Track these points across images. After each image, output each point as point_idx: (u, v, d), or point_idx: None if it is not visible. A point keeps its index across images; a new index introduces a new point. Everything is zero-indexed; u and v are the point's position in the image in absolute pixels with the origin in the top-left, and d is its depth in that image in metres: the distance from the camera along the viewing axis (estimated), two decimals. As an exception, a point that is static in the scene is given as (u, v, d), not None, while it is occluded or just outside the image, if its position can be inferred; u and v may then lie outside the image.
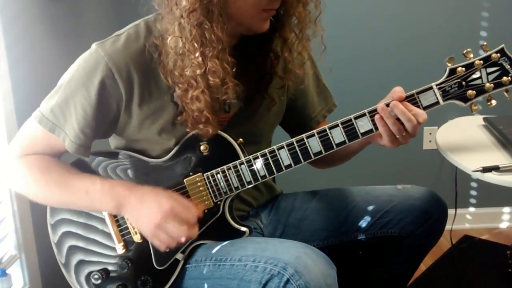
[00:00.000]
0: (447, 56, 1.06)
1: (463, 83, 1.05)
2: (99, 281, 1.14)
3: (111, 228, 1.14)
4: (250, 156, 1.10)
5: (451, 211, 1.32)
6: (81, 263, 1.17)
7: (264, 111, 1.19)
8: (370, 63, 2.17)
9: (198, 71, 1.00)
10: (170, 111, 1.09)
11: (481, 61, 1.05)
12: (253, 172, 1.10)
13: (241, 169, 1.10)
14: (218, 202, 1.12)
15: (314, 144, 1.07)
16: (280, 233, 1.30)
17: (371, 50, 2.16)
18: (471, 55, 1.06)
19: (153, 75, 1.07)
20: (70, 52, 1.21)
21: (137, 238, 1.13)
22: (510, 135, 1.36)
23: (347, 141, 1.06)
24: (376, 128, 1.06)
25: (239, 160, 1.10)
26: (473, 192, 2.31)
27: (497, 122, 1.47)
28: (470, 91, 1.06)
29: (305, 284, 0.94)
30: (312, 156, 1.08)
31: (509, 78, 1.05)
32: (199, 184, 1.11)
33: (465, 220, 2.34)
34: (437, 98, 1.05)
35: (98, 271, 1.14)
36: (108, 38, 1.07)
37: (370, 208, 1.26)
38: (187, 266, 1.12)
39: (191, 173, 1.11)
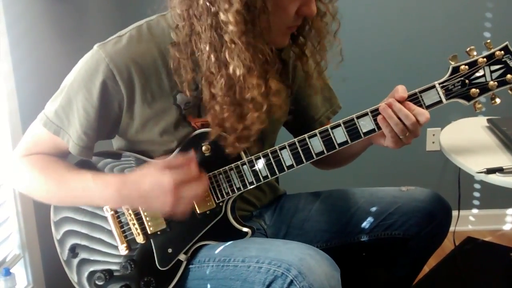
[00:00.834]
0: (450, 56, 1.05)
1: (466, 81, 1.04)
2: (102, 282, 1.14)
3: (113, 229, 1.14)
4: (252, 157, 1.09)
5: (454, 213, 1.31)
6: (84, 261, 1.17)
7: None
8: (373, 62, 2.16)
9: (261, 90, 1.00)
10: (172, 113, 1.09)
11: (485, 59, 1.04)
12: (255, 173, 1.09)
13: (243, 169, 1.10)
14: (221, 203, 1.12)
15: (316, 144, 1.07)
16: (284, 234, 1.30)
17: (374, 49, 2.15)
18: (475, 53, 1.05)
19: (156, 77, 1.06)
20: (73, 51, 1.21)
21: (140, 239, 1.13)
22: (514, 137, 1.36)
23: (349, 141, 1.06)
24: (379, 128, 1.05)
25: (241, 161, 1.10)
26: (477, 194, 2.31)
27: (501, 123, 1.47)
28: (473, 90, 1.04)
29: (308, 285, 0.94)
30: (314, 156, 1.07)
31: (514, 76, 1.03)
32: (202, 185, 1.11)
33: (468, 222, 2.34)
34: (440, 97, 1.04)
35: (102, 271, 1.14)
36: (110, 39, 1.07)
37: (374, 209, 1.25)
38: (190, 266, 1.12)
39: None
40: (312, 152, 1.07)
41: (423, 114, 1.03)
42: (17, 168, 1.14)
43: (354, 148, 1.10)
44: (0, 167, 1.29)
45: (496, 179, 1.22)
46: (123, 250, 1.14)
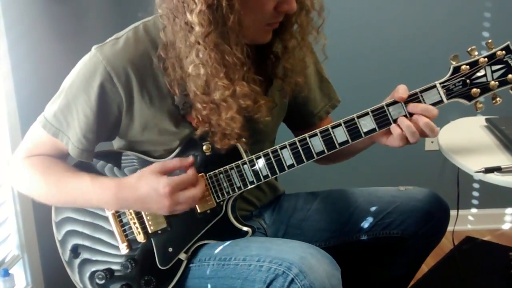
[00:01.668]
0: (450, 55, 1.05)
1: (467, 81, 1.04)
2: (103, 281, 1.14)
3: (114, 228, 1.14)
4: (253, 156, 1.10)
5: (453, 212, 1.32)
6: (85, 261, 1.17)
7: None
8: (374, 62, 2.17)
9: (226, 93, 1.00)
10: (172, 113, 1.09)
11: (486, 59, 1.04)
12: (255, 172, 1.10)
13: (243, 169, 1.10)
14: (221, 202, 1.12)
15: (317, 144, 1.07)
16: (283, 234, 1.30)
17: (374, 49, 2.16)
18: (476, 53, 1.05)
19: (153, 78, 1.06)
20: (72, 52, 1.21)
21: (140, 238, 1.13)
22: (513, 136, 1.36)
23: (350, 141, 1.06)
24: (380, 127, 1.05)
25: (241, 160, 1.10)
26: (475, 193, 2.31)
27: (499, 123, 1.47)
28: (474, 89, 1.05)
29: (309, 284, 0.94)
30: (315, 155, 1.08)
31: (515, 75, 1.04)
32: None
33: (467, 221, 2.34)
34: (440, 97, 1.04)
35: (102, 271, 1.14)
36: (107, 41, 1.07)
37: (373, 209, 1.25)
38: (191, 265, 1.12)
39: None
40: (313, 151, 1.07)
41: (431, 111, 1.03)
42: (18, 169, 1.14)
43: (356, 146, 1.10)
44: (-1, 168, 1.30)
45: (494, 178, 1.22)
46: (124, 249, 1.14)
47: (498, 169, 1.22)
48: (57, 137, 1.10)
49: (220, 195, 1.11)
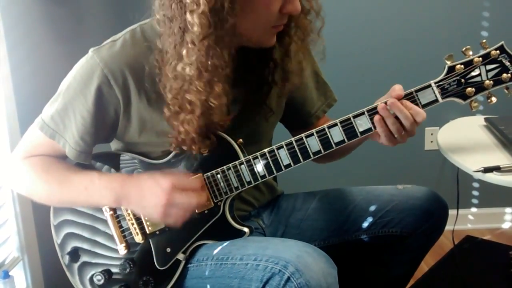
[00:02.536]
0: (446, 55, 1.06)
1: (462, 80, 1.05)
2: (101, 282, 1.14)
3: (113, 229, 1.15)
4: (250, 156, 1.10)
5: (453, 212, 1.32)
6: (84, 264, 1.17)
7: (262, 117, 1.19)
8: (369, 61, 2.17)
9: (202, 97, 1.00)
10: None
11: (480, 58, 1.05)
12: (252, 172, 1.10)
13: (240, 169, 1.10)
14: (219, 203, 1.13)
15: (313, 143, 1.07)
16: (281, 234, 1.31)
17: (370, 48, 2.16)
18: (470, 52, 1.05)
19: (150, 80, 1.06)
20: (71, 54, 1.21)
21: (138, 239, 1.14)
22: (511, 135, 1.36)
23: (346, 140, 1.07)
24: (375, 127, 1.06)
25: (238, 160, 1.10)
26: (475, 193, 2.31)
27: (498, 123, 1.47)
28: (469, 89, 1.05)
29: (305, 282, 0.95)
30: (311, 155, 1.08)
31: (509, 75, 1.05)
32: (199, 184, 1.12)
33: (467, 221, 2.34)
34: (436, 96, 1.05)
35: (101, 272, 1.14)
36: (105, 43, 1.08)
37: (371, 207, 1.26)
38: (189, 266, 1.13)
39: (191, 174, 1.12)
40: (309, 151, 1.08)
41: (420, 114, 1.03)
42: (17, 169, 1.14)
43: (350, 144, 1.10)
44: (-1, 169, 1.30)
45: (493, 177, 1.23)
46: (122, 250, 1.14)
47: (497, 169, 1.23)
48: (54, 139, 1.10)
49: (217, 195, 1.12)
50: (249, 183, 1.11)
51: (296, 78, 1.16)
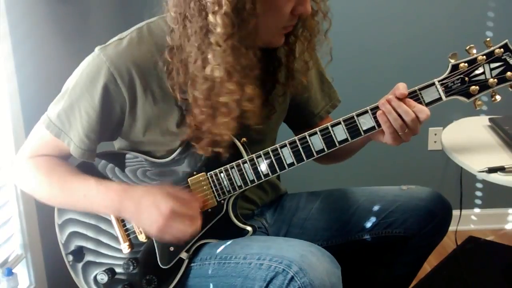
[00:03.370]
0: (450, 54, 1.05)
1: (466, 78, 1.05)
2: (105, 281, 1.14)
3: (116, 228, 1.15)
4: (253, 155, 1.10)
5: (456, 212, 1.32)
6: (88, 263, 1.17)
7: (264, 116, 1.19)
8: (374, 60, 2.17)
9: (234, 97, 1.00)
10: (174, 114, 1.10)
11: (484, 57, 1.04)
12: (256, 171, 1.10)
13: (244, 168, 1.10)
14: (222, 201, 1.13)
15: (317, 142, 1.07)
16: (284, 233, 1.31)
17: (375, 47, 2.16)
18: (474, 51, 1.05)
19: (157, 78, 1.07)
20: (76, 52, 1.22)
21: (142, 238, 1.14)
22: (516, 135, 1.36)
23: (349, 139, 1.07)
24: (379, 125, 1.05)
25: (242, 159, 1.10)
26: (478, 193, 2.30)
27: (502, 123, 1.47)
28: (473, 87, 1.05)
29: (309, 282, 0.94)
30: (315, 154, 1.08)
31: (514, 73, 1.04)
32: (202, 183, 1.12)
33: (470, 221, 2.33)
34: (439, 94, 1.05)
35: (104, 270, 1.14)
36: (111, 41, 1.08)
37: (375, 208, 1.26)
38: (192, 264, 1.13)
39: (194, 173, 1.12)
40: (313, 150, 1.08)
41: (423, 111, 1.03)
42: (23, 169, 1.15)
43: (353, 144, 1.10)
44: (3, 168, 1.30)
45: (497, 178, 1.22)
46: (125, 248, 1.14)
47: (501, 169, 1.22)
48: (59, 138, 1.10)
49: (221, 193, 1.12)
50: (252, 182, 1.10)
51: (301, 77, 1.16)
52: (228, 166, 1.10)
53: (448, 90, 1.05)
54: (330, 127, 1.07)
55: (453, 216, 1.28)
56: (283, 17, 1.02)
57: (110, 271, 1.15)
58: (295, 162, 1.08)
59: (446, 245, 2.02)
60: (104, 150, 1.18)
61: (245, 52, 0.98)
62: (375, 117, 1.05)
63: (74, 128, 1.09)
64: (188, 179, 1.12)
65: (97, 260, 1.17)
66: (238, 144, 1.11)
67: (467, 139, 1.48)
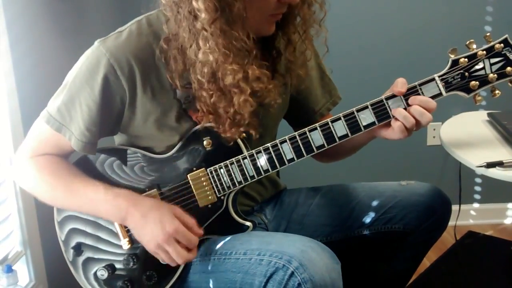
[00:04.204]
0: (449, 49, 1.05)
1: (466, 74, 1.05)
2: (105, 277, 1.14)
3: (116, 224, 1.14)
4: (253, 151, 1.10)
5: (455, 207, 1.32)
6: (88, 260, 1.17)
7: (264, 108, 1.19)
8: (373, 57, 2.16)
9: (238, 76, 1.00)
10: (173, 108, 1.10)
11: (484, 52, 1.04)
12: (256, 167, 1.10)
13: (244, 163, 1.10)
14: (222, 197, 1.13)
15: (317, 138, 1.07)
16: (284, 229, 1.31)
17: (375, 42, 2.15)
18: (474, 46, 1.05)
19: (156, 71, 1.07)
20: (74, 49, 1.21)
21: (141, 234, 1.14)
22: (514, 130, 1.36)
23: (349, 134, 1.07)
24: (379, 121, 1.06)
25: (242, 155, 1.10)
26: (478, 188, 2.31)
27: (501, 118, 1.47)
28: (473, 82, 1.05)
29: (309, 277, 0.95)
30: (315, 149, 1.08)
31: (514, 68, 1.04)
32: (202, 179, 1.12)
33: (469, 216, 2.34)
34: (439, 90, 1.05)
35: (104, 266, 1.14)
36: (110, 34, 1.08)
37: (374, 203, 1.26)
38: (192, 260, 1.12)
39: (194, 168, 1.12)
40: (313, 145, 1.08)
41: (430, 102, 1.03)
42: (23, 168, 1.14)
43: (356, 140, 1.10)
44: (1, 165, 1.30)
45: (496, 173, 1.22)
46: (125, 244, 1.14)
47: (500, 164, 1.23)
48: (60, 132, 1.10)
49: (220, 189, 1.12)
50: (252, 177, 1.10)
51: (300, 69, 1.16)
52: (228, 161, 1.10)
53: (448, 86, 1.05)
54: (330, 123, 1.07)
55: (452, 211, 1.28)
56: (268, 5, 1.02)
57: (110, 267, 1.15)
58: (295, 158, 1.08)
59: (446, 240, 2.02)
60: (106, 145, 1.18)
61: (237, 35, 0.98)
62: (375, 113, 1.05)
63: (75, 121, 1.09)
64: (188, 175, 1.12)
65: (97, 256, 1.17)
66: (238, 139, 1.10)
67: (466, 134, 1.48)
